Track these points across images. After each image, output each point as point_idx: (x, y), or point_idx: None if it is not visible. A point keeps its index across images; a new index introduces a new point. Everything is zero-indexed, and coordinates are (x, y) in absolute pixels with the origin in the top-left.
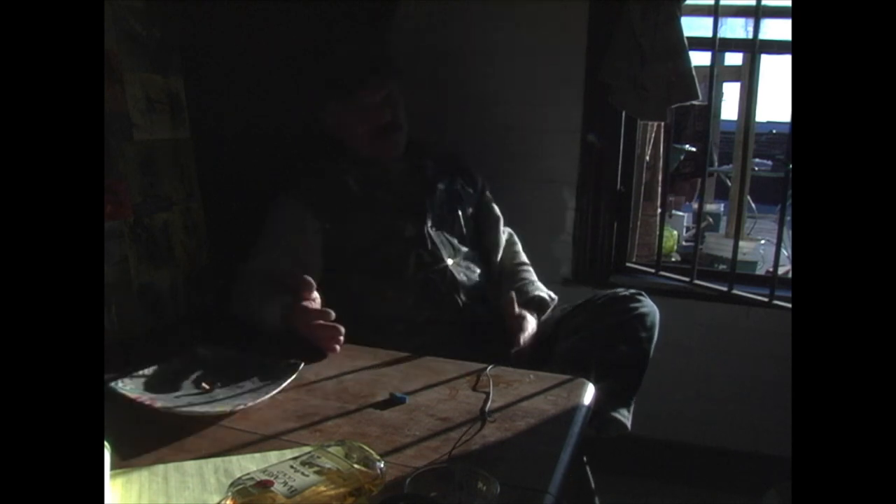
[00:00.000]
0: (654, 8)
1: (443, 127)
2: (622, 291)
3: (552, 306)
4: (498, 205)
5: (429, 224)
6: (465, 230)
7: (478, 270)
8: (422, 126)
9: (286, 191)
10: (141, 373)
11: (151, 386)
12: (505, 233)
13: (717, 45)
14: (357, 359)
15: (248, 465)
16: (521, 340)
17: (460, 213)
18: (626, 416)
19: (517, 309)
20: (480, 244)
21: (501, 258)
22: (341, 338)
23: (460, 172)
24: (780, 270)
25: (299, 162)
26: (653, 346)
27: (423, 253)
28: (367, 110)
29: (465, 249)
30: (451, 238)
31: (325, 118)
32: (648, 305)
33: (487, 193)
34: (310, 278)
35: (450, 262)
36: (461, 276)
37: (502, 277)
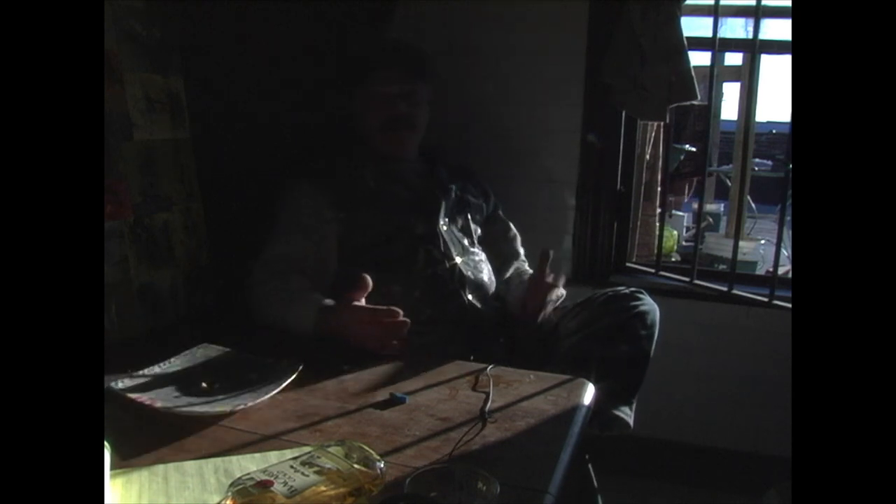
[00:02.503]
0: (654, 8)
1: (443, 127)
2: (622, 290)
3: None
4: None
5: (440, 223)
6: (474, 233)
7: (485, 271)
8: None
9: (302, 180)
10: (141, 373)
11: (151, 386)
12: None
13: (717, 45)
14: (357, 359)
15: (248, 465)
16: (550, 300)
17: (470, 217)
18: (628, 415)
19: (548, 273)
20: (493, 252)
21: (510, 275)
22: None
23: (472, 182)
24: (780, 270)
25: (301, 160)
26: (653, 344)
27: (433, 250)
28: (383, 100)
29: (474, 250)
30: (461, 238)
31: (347, 105)
32: (648, 303)
33: (501, 213)
34: (367, 276)
35: (459, 260)
36: (469, 274)
37: (510, 283)
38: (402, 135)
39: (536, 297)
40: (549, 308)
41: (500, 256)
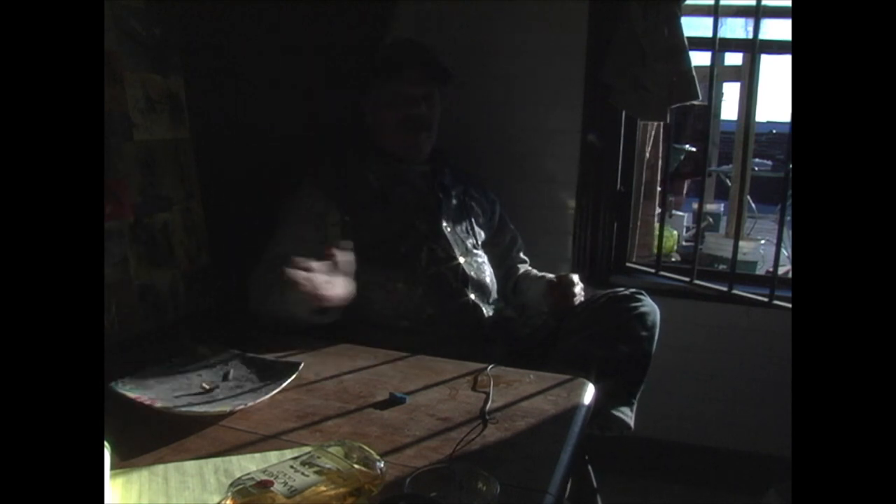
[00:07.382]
0: (655, 8)
1: (443, 127)
2: (622, 291)
3: None
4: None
5: (444, 223)
6: (478, 236)
7: (487, 272)
8: None
9: (308, 180)
10: (141, 373)
11: (151, 386)
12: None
13: (717, 45)
14: (357, 359)
15: (248, 465)
16: (577, 293)
17: (473, 219)
18: (628, 415)
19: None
20: (500, 261)
21: (520, 276)
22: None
23: (477, 187)
24: (780, 270)
25: (307, 160)
26: (654, 345)
27: (437, 248)
28: (403, 100)
29: (477, 252)
30: (465, 239)
31: (362, 104)
32: (649, 304)
33: (509, 223)
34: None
35: (462, 260)
36: (471, 274)
37: (520, 282)
38: (419, 136)
39: (563, 288)
40: (579, 292)
41: (508, 264)
